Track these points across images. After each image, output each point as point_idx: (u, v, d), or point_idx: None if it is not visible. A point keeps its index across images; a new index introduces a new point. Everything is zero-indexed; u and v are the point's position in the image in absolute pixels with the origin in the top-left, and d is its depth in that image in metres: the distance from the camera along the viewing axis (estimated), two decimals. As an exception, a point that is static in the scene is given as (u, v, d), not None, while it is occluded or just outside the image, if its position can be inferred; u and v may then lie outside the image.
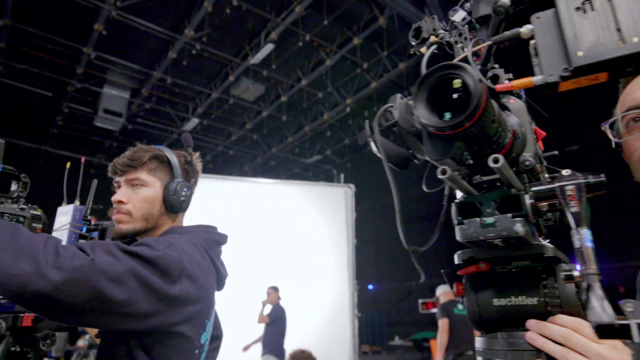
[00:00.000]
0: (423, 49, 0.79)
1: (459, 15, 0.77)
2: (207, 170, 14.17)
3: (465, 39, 0.74)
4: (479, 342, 0.67)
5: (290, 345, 4.73)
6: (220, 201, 5.79)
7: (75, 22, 8.55)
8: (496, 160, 0.56)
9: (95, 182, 1.15)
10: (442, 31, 0.77)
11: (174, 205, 1.22)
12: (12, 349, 0.89)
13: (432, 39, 0.79)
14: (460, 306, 5.35)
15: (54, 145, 12.83)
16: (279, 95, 11.18)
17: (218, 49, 9.42)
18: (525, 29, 0.66)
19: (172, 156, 1.27)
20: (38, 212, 1.17)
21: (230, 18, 8.65)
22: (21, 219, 1.11)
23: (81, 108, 11.38)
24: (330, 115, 11.56)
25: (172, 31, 8.87)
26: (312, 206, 5.41)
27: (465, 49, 0.69)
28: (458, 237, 0.66)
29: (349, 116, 12.02)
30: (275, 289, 5.90)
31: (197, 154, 1.34)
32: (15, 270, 0.75)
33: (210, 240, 1.18)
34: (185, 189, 1.24)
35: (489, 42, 0.68)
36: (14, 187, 1.17)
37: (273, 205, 6.11)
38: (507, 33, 0.68)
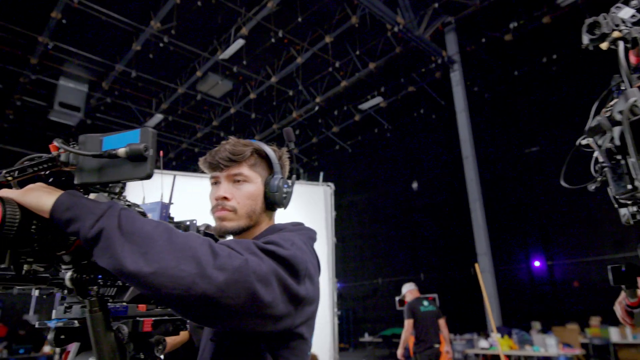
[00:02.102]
0: (603, 45, 0.78)
1: (625, 12, 0.75)
2: (170, 168, 13.74)
3: None
4: None
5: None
6: (194, 198, 5.61)
7: (31, 9, 8.03)
8: None
9: (175, 176, 1.05)
10: (624, 27, 0.76)
11: (275, 201, 1.17)
12: (137, 356, 0.82)
13: (616, 34, 0.77)
14: (425, 303, 5.58)
15: (5, 141, 12.00)
16: (248, 92, 11.00)
17: (186, 43, 9.13)
18: None
19: (270, 151, 1.21)
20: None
21: (200, 11, 8.41)
22: None
23: (35, 101, 10.70)
24: (299, 114, 11.50)
25: (137, 22, 8.51)
26: (291, 204, 5.33)
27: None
28: None
29: (318, 115, 12.00)
30: None
31: (284, 149, 1.27)
32: (179, 272, 0.70)
33: (313, 238, 1.15)
34: (285, 185, 1.20)
35: None
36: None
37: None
38: None
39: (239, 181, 1.14)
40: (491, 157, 10.45)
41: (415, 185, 12.64)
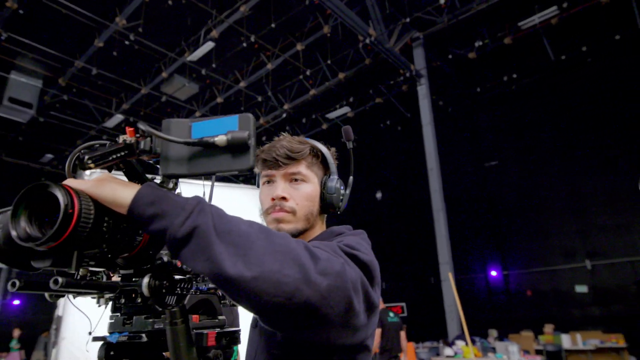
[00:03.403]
0: None
1: None
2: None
3: None
4: None
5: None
6: None
7: (-17, -3, 7.50)
8: None
9: (213, 177, 0.96)
10: None
11: (333, 204, 1.09)
12: None
13: None
14: (391, 314, 5.73)
15: (-57, 136, 11.10)
16: (214, 96, 10.79)
17: (153, 42, 8.83)
18: None
19: (325, 150, 1.14)
20: None
21: (169, 10, 8.18)
22: None
23: (-18, 95, 9.97)
24: (267, 120, 11.40)
25: (101, 18, 8.14)
26: (258, 211, 5.20)
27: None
28: None
29: (286, 122, 11.95)
30: None
31: (334, 149, 1.19)
32: (282, 277, 0.62)
33: (370, 244, 1.09)
34: (342, 187, 1.13)
35: None
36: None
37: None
38: None
39: (296, 180, 1.08)
40: (453, 170, 10.78)
41: (379, 195, 12.82)
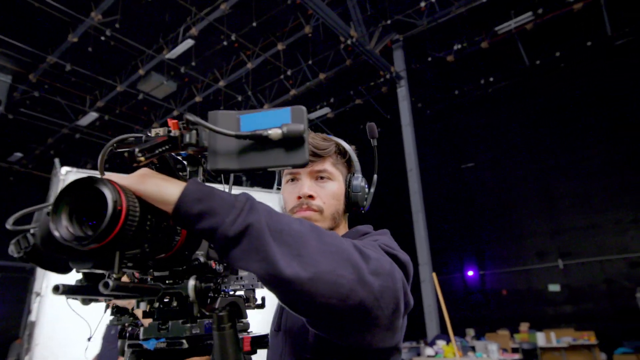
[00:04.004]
0: None
1: None
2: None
3: None
4: None
5: None
6: None
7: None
8: None
9: (232, 177, 0.91)
10: None
11: (358, 202, 1.06)
12: None
13: None
14: None
15: None
16: (193, 95, 10.61)
17: (130, 39, 8.62)
18: None
19: (349, 147, 1.12)
20: None
21: (147, 6, 8.00)
22: None
23: (-54, 90, 9.54)
24: (246, 120, 11.28)
25: (75, 12, 7.89)
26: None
27: None
28: None
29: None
30: None
31: (354, 146, 1.16)
32: (337, 277, 0.59)
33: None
34: (366, 185, 1.10)
35: None
36: None
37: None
38: None
39: (322, 178, 1.05)
40: (432, 171, 10.92)
41: (358, 195, 12.85)
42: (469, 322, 9.55)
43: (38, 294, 4.31)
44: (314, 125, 11.76)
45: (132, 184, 0.57)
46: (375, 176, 1.16)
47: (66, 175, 4.91)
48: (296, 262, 0.58)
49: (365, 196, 1.10)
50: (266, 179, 9.34)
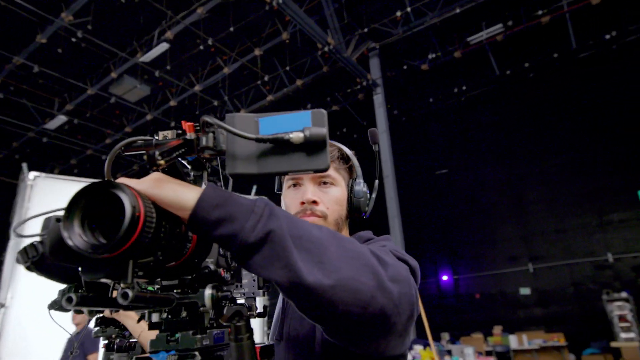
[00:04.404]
0: None
1: None
2: (72, 175, 12.41)
3: None
4: None
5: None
6: None
7: None
8: None
9: (254, 187, 0.86)
10: None
11: (360, 208, 1.04)
12: None
13: None
14: None
15: None
16: (167, 99, 10.43)
17: (102, 41, 8.40)
18: None
19: (351, 152, 1.12)
20: None
21: (121, 8, 7.83)
22: None
23: None
24: (222, 125, 11.16)
25: (45, 12, 7.64)
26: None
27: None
28: None
29: (242, 127, 11.77)
30: None
31: (353, 152, 1.14)
32: (359, 285, 0.58)
33: None
34: (368, 191, 1.10)
35: None
36: None
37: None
38: None
39: (325, 184, 1.04)
40: (407, 177, 11.07)
41: (335, 201, 12.89)
42: (444, 327, 9.68)
43: (2, 305, 4.12)
44: (291, 131, 11.73)
45: (147, 189, 0.55)
46: (376, 182, 1.16)
47: (34, 180, 4.72)
48: (317, 269, 0.57)
49: (367, 202, 1.10)
50: (237, 189, 9.24)
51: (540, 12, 8.40)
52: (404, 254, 0.82)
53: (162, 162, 0.57)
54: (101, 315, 1.33)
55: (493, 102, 10.92)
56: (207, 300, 0.61)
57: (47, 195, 4.59)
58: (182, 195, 0.56)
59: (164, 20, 8.26)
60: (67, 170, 12.69)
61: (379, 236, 1.07)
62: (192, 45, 8.79)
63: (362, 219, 1.09)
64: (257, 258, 0.56)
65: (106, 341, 1.34)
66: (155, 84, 10.06)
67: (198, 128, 0.59)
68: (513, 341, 8.36)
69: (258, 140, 0.57)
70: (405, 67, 10.00)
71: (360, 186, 1.08)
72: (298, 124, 0.59)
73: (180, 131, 0.60)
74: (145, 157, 0.58)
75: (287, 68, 9.66)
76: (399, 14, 8.64)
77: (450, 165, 11.43)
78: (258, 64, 9.41)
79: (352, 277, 0.59)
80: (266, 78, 9.93)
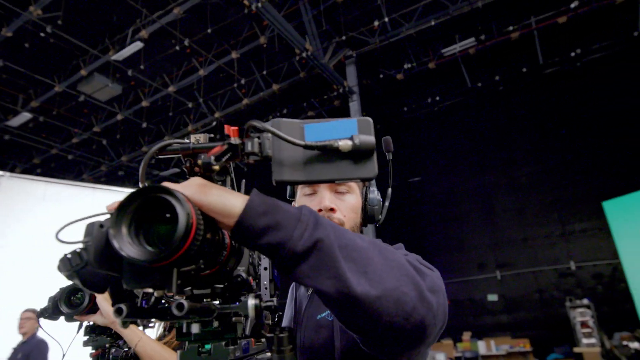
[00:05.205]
0: None
1: None
2: (35, 175, 11.90)
3: None
4: None
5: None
6: (53, 209, 4.98)
7: None
8: None
9: (243, 182, 0.83)
10: None
11: (374, 216, 1.04)
12: None
13: None
14: None
15: None
16: (140, 99, 10.17)
17: (73, 37, 8.12)
18: None
19: None
20: None
21: (94, 4, 7.61)
22: None
23: None
24: (195, 127, 10.98)
25: (11, 4, 7.32)
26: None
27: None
28: None
29: (216, 130, 11.61)
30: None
31: None
32: (402, 295, 0.56)
33: None
34: (381, 199, 1.10)
35: None
36: None
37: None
38: None
39: (342, 192, 1.03)
40: (381, 185, 11.17)
41: (308, 207, 12.86)
42: (414, 333, 9.77)
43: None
44: (266, 136, 11.67)
45: (193, 195, 0.53)
46: (389, 190, 1.16)
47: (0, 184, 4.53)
48: (364, 279, 0.56)
49: (381, 210, 1.09)
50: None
51: (510, 28, 8.71)
52: (427, 263, 0.83)
53: (217, 167, 0.55)
54: (90, 323, 1.27)
55: (465, 112, 11.23)
56: (251, 311, 0.59)
57: (14, 197, 4.41)
58: (229, 201, 0.54)
59: (139, 18, 8.07)
60: (29, 170, 12.15)
61: (392, 245, 1.07)
62: (168, 45, 8.63)
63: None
64: (304, 267, 0.55)
65: (94, 351, 1.27)
66: (127, 83, 9.80)
67: (247, 133, 0.58)
68: (482, 347, 8.55)
69: (306, 147, 0.56)
70: (381, 75, 10.15)
71: (375, 194, 1.09)
72: (344, 132, 0.59)
73: (212, 135, 0.59)
74: (199, 162, 0.56)
75: (264, 72, 9.62)
76: (376, 23, 8.77)
77: (423, 174, 11.64)
78: (235, 67, 9.32)
79: (395, 287, 0.58)
80: (242, 81, 9.86)
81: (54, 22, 7.57)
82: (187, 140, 0.59)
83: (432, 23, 8.39)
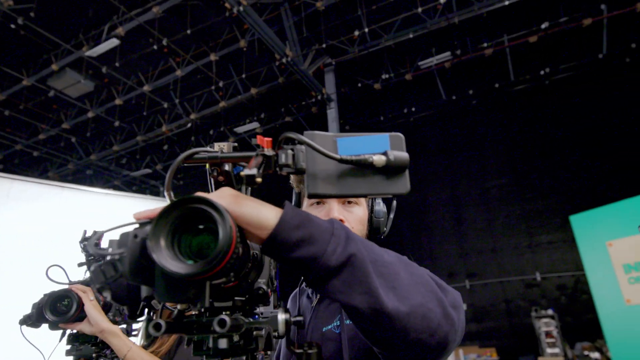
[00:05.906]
0: None
1: None
2: (-4, 172, 11.38)
3: None
4: None
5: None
6: (19, 208, 4.79)
7: None
8: None
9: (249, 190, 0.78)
10: None
11: (379, 228, 1.03)
12: None
13: None
14: None
15: None
16: (113, 97, 9.92)
17: (45, 30, 7.86)
18: None
19: None
20: None
21: (69, -2, 7.40)
22: None
23: None
24: (170, 128, 10.79)
25: (-19, -7, 7.04)
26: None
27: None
28: None
29: (191, 132, 11.44)
30: None
31: None
32: (428, 312, 0.56)
33: None
34: (386, 211, 1.09)
35: None
36: None
37: (100, 218, 5.26)
38: None
39: (350, 203, 1.03)
40: (355, 192, 11.25)
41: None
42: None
43: None
44: (241, 140, 11.59)
45: (228, 206, 0.51)
46: (394, 202, 1.15)
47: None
48: (393, 294, 0.56)
49: (386, 222, 1.09)
50: (154, 192, 8.92)
51: (485, 45, 9.00)
52: (436, 277, 0.84)
53: (260, 179, 0.54)
54: (74, 331, 1.21)
55: (439, 124, 11.48)
56: (281, 326, 0.57)
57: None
58: (262, 214, 0.53)
59: (116, 15, 7.90)
60: (-9, 166, 11.62)
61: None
62: (145, 44, 8.48)
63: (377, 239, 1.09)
64: (336, 283, 0.54)
65: None
66: (100, 80, 9.55)
67: (282, 144, 0.58)
68: (450, 356, 8.67)
69: (342, 161, 0.56)
70: (359, 84, 10.27)
71: (380, 206, 1.10)
72: (377, 147, 0.59)
73: (236, 144, 0.58)
74: (211, 169, 0.56)
75: (243, 76, 9.57)
76: (356, 33, 8.88)
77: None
78: (213, 69, 9.23)
79: (422, 304, 0.58)
80: (220, 84, 9.77)
81: (25, 14, 7.31)
82: (213, 149, 0.58)
83: (410, 36, 8.56)
